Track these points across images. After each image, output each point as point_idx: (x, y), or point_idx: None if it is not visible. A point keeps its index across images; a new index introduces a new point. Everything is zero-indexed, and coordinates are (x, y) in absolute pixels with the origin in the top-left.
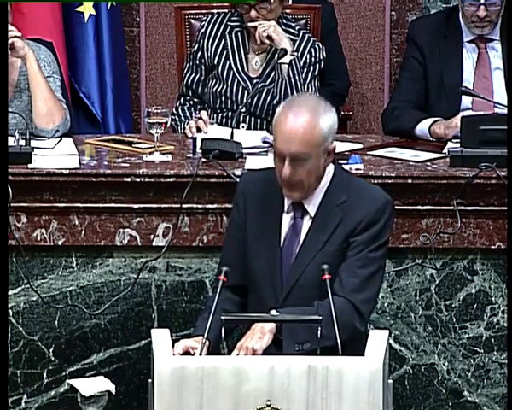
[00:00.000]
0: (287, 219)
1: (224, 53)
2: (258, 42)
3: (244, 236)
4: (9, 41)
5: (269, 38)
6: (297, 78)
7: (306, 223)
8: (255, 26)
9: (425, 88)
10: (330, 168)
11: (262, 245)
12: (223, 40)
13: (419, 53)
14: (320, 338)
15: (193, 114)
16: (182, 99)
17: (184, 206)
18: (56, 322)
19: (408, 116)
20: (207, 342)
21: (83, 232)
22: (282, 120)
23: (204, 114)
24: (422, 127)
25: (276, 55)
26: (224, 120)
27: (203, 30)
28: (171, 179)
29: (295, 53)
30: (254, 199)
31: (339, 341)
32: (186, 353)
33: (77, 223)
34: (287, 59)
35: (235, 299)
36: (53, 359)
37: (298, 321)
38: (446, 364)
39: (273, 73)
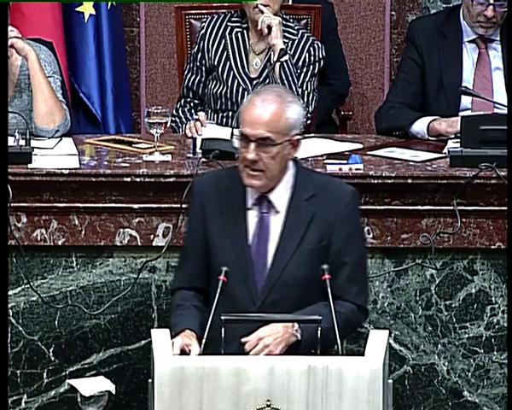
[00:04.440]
0: (252, 216)
1: (225, 54)
2: (258, 27)
3: (204, 239)
4: (9, 42)
5: (269, 27)
6: (290, 79)
7: (276, 220)
8: (260, 12)
9: (423, 89)
10: (291, 164)
11: (228, 245)
12: (223, 41)
13: (417, 54)
14: (328, 341)
15: (193, 116)
16: (182, 101)
17: (184, 206)
18: (56, 322)
19: (404, 115)
20: (194, 336)
21: (83, 232)
22: (249, 106)
23: (202, 115)
24: (420, 125)
25: (276, 55)
26: (225, 121)
27: (203, 31)
28: (171, 179)
29: (289, 53)
30: (212, 200)
31: (339, 341)
32: (182, 351)
33: (77, 223)
34: (282, 59)
35: (201, 297)
36: (53, 359)
37: (298, 321)
38: (446, 364)
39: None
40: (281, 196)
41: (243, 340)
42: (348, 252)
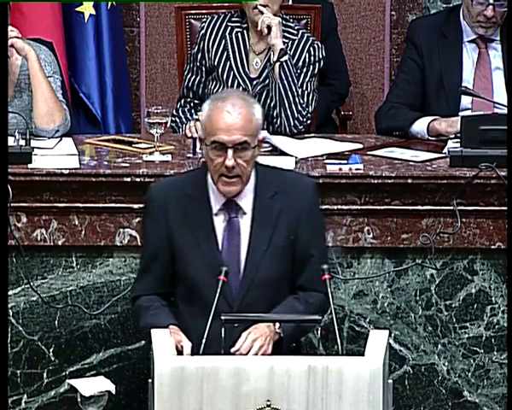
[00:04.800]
0: (219, 222)
1: (225, 54)
2: (258, 27)
3: (169, 246)
4: (9, 42)
5: (268, 27)
6: (290, 79)
7: (244, 222)
8: (260, 13)
9: (423, 89)
10: None
11: (197, 253)
12: (223, 41)
13: (417, 54)
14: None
15: (193, 116)
16: (182, 101)
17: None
18: (56, 322)
19: (404, 115)
20: (176, 327)
21: (83, 232)
22: (219, 113)
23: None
24: (420, 125)
25: (276, 55)
26: None
27: (203, 31)
28: None
29: (289, 53)
30: (176, 207)
31: (339, 341)
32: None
33: (77, 223)
34: (282, 59)
35: (164, 301)
36: (53, 359)
37: (298, 321)
38: (446, 364)
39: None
40: (246, 197)
41: (235, 348)
42: (314, 243)
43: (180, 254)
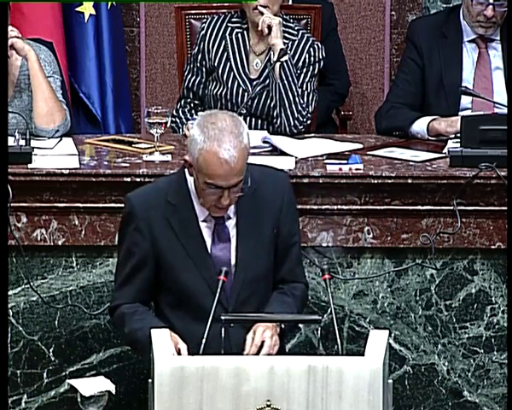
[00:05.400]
0: (206, 227)
1: (225, 54)
2: (259, 28)
3: (153, 255)
4: (9, 42)
5: (269, 28)
6: (290, 79)
7: (231, 222)
8: (260, 14)
9: (423, 89)
10: None
11: (187, 259)
12: (223, 41)
13: (417, 54)
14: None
15: (194, 116)
16: (182, 101)
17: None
18: (56, 322)
19: (404, 115)
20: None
21: (83, 232)
22: (214, 159)
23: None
24: (420, 125)
25: (276, 55)
26: None
27: (203, 32)
28: None
29: (289, 53)
30: (159, 215)
31: (339, 341)
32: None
33: (77, 223)
34: (282, 59)
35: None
36: (53, 359)
37: (298, 321)
38: (446, 364)
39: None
40: None
41: (246, 352)
42: (293, 234)
43: (167, 262)
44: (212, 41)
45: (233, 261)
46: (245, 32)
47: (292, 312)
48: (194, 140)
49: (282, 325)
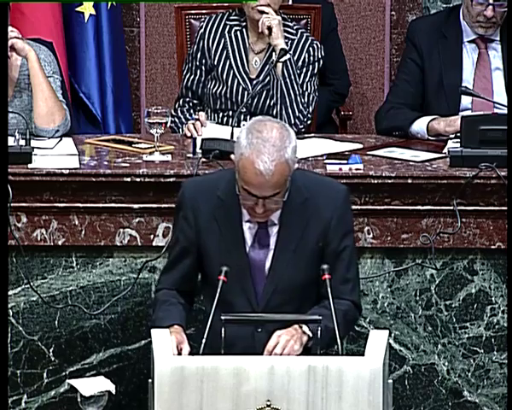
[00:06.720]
0: (248, 228)
1: (224, 53)
2: (259, 29)
3: (196, 245)
4: (9, 42)
5: (269, 29)
6: (292, 78)
7: (274, 228)
8: (260, 14)
9: (423, 89)
10: None
11: (225, 254)
12: (222, 40)
13: (417, 54)
14: (330, 339)
15: (193, 116)
16: (181, 101)
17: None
18: (56, 322)
19: (404, 115)
20: (180, 328)
21: (83, 232)
22: (251, 166)
23: (202, 115)
24: (419, 125)
25: (277, 55)
26: (225, 120)
27: (202, 31)
28: (171, 179)
29: (290, 53)
30: (206, 208)
31: (339, 341)
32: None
33: (77, 223)
34: (282, 59)
35: (185, 298)
36: (53, 359)
37: (298, 321)
38: (446, 364)
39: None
40: None
41: (267, 351)
42: (342, 250)
43: (208, 256)
44: (211, 39)
45: (267, 268)
46: (244, 30)
47: (327, 325)
48: (239, 143)
49: (310, 334)
